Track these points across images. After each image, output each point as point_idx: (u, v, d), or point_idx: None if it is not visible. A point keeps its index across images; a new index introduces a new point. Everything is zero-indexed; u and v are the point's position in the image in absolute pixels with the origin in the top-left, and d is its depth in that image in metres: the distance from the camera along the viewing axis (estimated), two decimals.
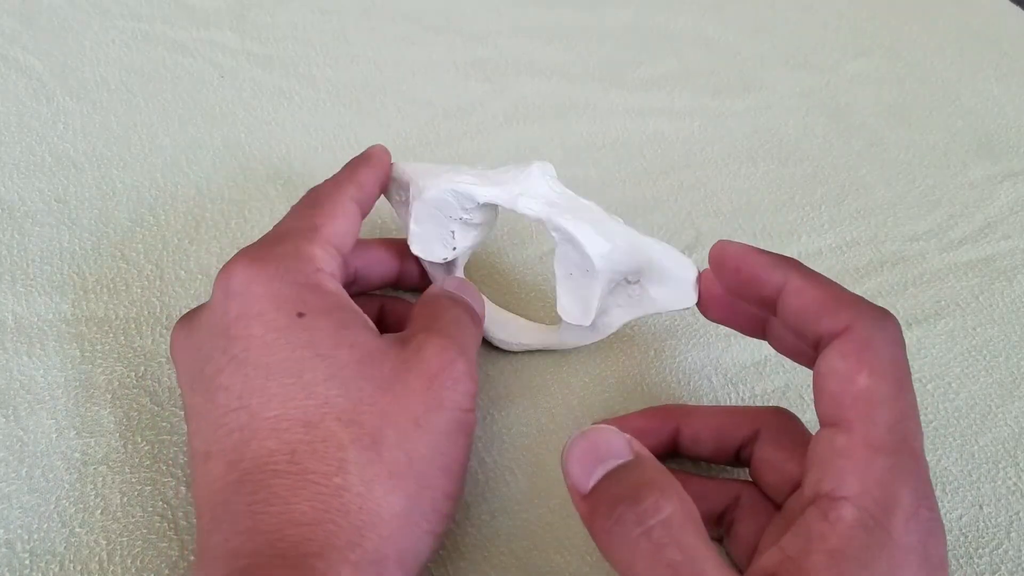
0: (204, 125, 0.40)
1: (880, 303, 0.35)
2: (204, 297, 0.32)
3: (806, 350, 0.23)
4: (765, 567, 0.20)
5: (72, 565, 0.24)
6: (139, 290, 0.32)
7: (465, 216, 0.28)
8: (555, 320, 0.33)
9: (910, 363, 0.33)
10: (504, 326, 0.32)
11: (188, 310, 0.26)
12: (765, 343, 0.33)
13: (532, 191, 0.28)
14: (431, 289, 0.28)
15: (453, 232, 0.29)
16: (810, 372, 0.32)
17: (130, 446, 0.27)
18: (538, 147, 0.42)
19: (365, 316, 0.24)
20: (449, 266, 0.31)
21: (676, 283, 0.27)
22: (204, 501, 0.22)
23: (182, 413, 0.28)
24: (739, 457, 0.26)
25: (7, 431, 0.27)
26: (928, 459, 0.30)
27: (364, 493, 0.21)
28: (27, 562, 0.24)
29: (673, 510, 0.20)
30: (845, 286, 0.36)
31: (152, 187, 0.36)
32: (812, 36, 0.53)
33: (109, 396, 0.28)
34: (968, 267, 0.38)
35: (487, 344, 0.32)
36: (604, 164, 0.41)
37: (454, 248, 0.29)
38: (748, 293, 0.24)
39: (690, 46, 0.51)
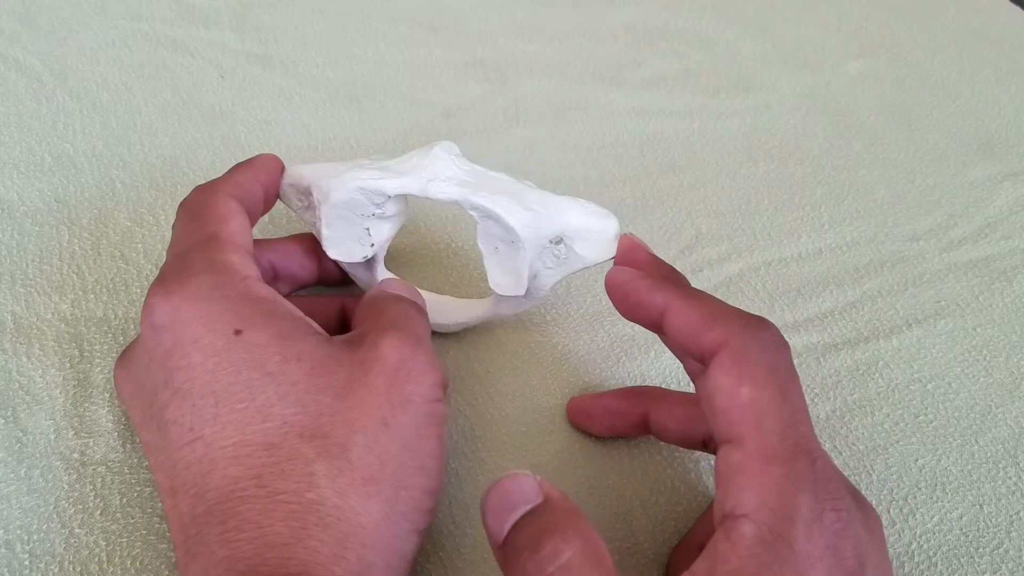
0: (204, 125, 0.40)
1: (880, 303, 0.36)
2: None
3: (699, 369, 0.23)
4: None
5: (72, 566, 0.24)
6: (139, 290, 0.32)
7: (377, 211, 0.28)
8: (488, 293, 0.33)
9: (910, 363, 0.33)
10: (437, 309, 0.31)
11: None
12: None
13: (441, 174, 0.27)
14: (372, 290, 0.27)
15: (368, 229, 0.28)
16: (810, 372, 0.32)
17: (129, 446, 0.27)
18: (538, 147, 0.42)
19: (306, 320, 0.24)
20: (370, 263, 0.30)
21: (598, 236, 0.27)
22: (177, 535, 0.21)
23: None
24: (707, 446, 0.26)
25: (6, 432, 0.27)
26: (928, 459, 0.30)
27: (340, 504, 0.21)
28: (27, 563, 0.24)
29: (572, 553, 0.20)
30: (845, 286, 0.36)
31: (152, 187, 0.36)
32: (812, 36, 0.53)
33: (108, 396, 0.28)
34: (968, 267, 0.38)
35: (455, 336, 0.31)
36: (604, 164, 0.41)
37: (372, 245, 0.29)
38: (639, 318, 0.25)
39: (690, 46, 0.51)
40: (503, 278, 0.28)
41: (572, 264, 0.28)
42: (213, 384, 0.21)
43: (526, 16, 0.51)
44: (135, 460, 0.27)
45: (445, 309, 0.31)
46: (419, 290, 0.31)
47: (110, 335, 0.30)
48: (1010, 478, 0.30)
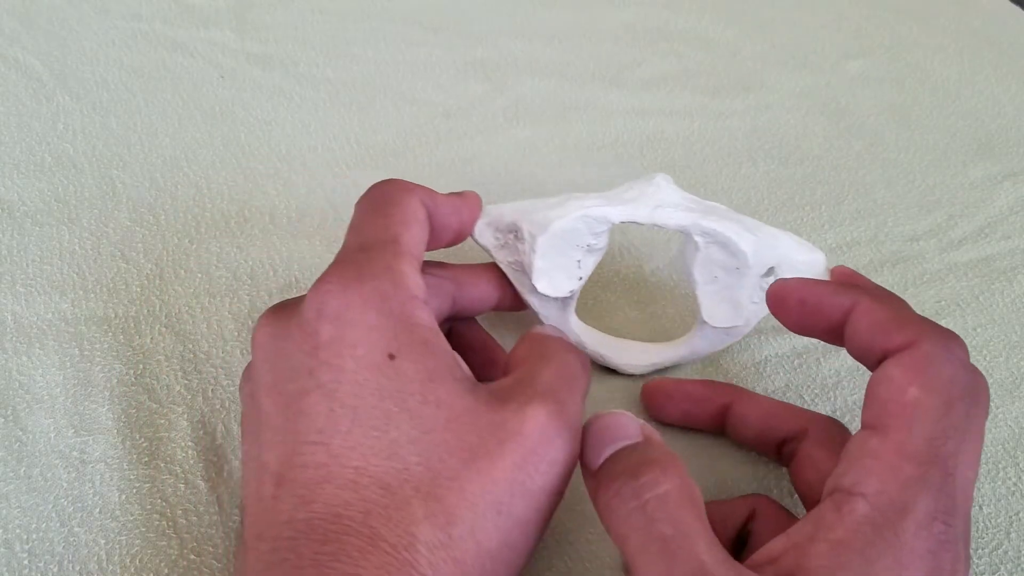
0: (204, 125, 0.40)
1: None
2: (204, 296, 0.32)
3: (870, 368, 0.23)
4: (771, 551, 0.20)
5: (71, 565, 0.24)
6: (138, 289, 0.32)
7: (593, 242, 0.27)
8: (652, 337, 0.32)
9: None
10: (622, 350, 0.30)
11: (280, 301, 0.24)
12: (766, 343, 0.33)
13: (668, 201, 0.27)
14: (538, 330, 0.26)
15: (579, 261, 0.28)
16: (810, 372, 0.32)
17: (128, 443, 0.27)
18: (538, 147, 0.42)
19: (456, 361, 0.22)
20: (566, 302, 0.29)
21: (809, 268, 0.27)
22: (265, 525, 0.20)
23: (180, 410, 0.28)
24: (780, 452, 0.26)
25: (6, 431, 0.27)
26: None
27: None
28: (26, 562, 0.24)
29: (671, 487, 0.20)
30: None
31: (152, 187, 0.36)
32: (812, 36, 0.53)
33: (107, 394, 0.28)
34: (968, 267, 0.38)
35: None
36: (604, 164, 0.41)
37: (580, 278, 0.28)
38: (813, 323, 0.24)
39: (690, 46, 0.51)
40: (718, 308, 0.28)
41: None
42: (356, 399, 0.21)
43: (526, 16, 0.51)
44: (134, 457, 0.27)
45: (632, 351, 0.31)
46: (595, 330, 0.31)
47: (110, 335, 0.30)
48: (1010, 478, 0.30)
